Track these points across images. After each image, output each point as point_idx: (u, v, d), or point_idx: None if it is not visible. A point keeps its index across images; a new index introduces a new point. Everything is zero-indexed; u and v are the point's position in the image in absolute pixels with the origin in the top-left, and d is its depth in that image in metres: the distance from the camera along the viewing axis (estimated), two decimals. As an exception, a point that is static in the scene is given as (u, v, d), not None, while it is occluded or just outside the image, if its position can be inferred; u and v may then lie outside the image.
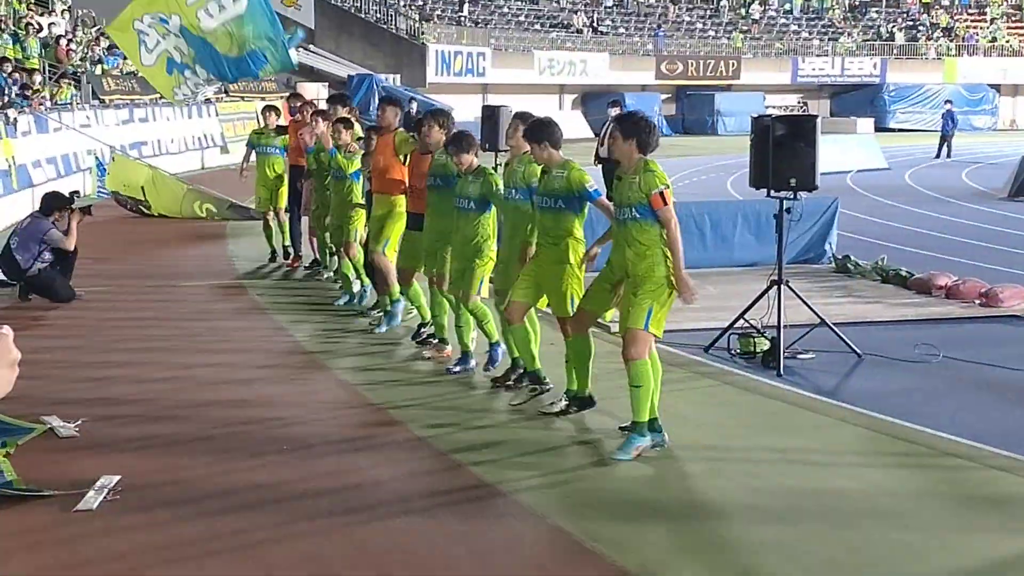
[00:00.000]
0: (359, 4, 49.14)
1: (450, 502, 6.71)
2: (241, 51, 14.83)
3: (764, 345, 10.40)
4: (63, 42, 29.00)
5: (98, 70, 29.52)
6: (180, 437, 7.88)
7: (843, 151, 31.35)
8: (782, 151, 10.43)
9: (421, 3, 52.89)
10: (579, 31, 58.34)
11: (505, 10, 57.54)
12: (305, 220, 14.88)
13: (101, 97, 27.92)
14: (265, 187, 15.51)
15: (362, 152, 12.13)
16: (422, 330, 10.92)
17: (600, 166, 20.37)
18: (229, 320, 12.26)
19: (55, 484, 6.74)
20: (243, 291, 14.03)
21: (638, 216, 7.41)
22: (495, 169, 10.06)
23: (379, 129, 11.52)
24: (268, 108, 16.10)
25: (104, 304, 12.89)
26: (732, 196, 24.76)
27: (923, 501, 6.83)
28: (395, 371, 9.98)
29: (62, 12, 32.02)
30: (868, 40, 64.64)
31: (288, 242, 15.49)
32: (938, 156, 38.94)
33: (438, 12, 53.61)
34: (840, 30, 65.22)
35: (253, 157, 15.92)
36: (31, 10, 29.63)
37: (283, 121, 16.56)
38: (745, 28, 63.50)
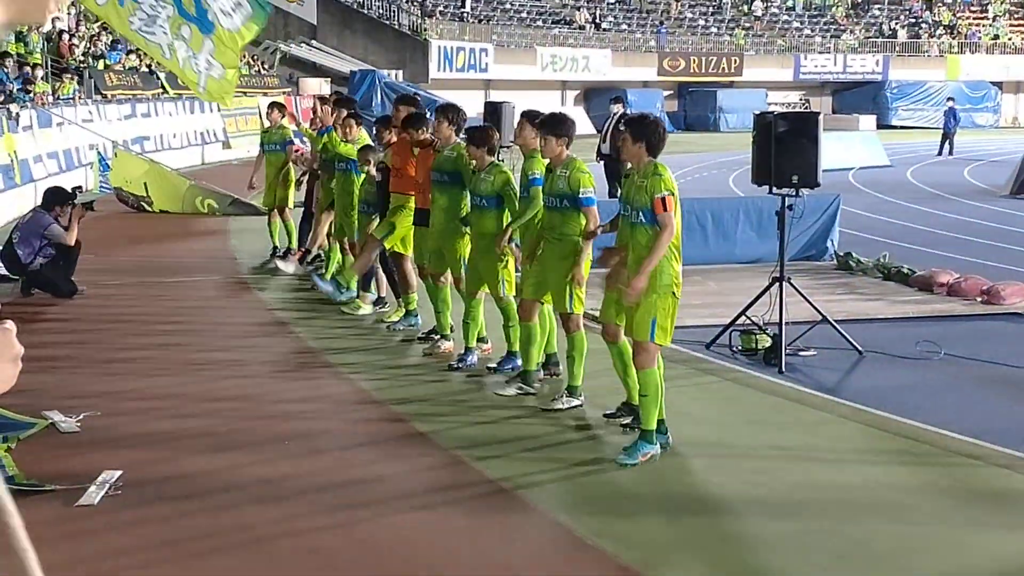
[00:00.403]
0: (362, 0, 49.16)
1: (452, 497, 6.72)
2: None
3: (766, 342, 10.40)
4: (65, 37, 28.99)
5: (100, 65, 29.51)
6: (182, 432, 7.89)
7: (845, 148, 31.34)
8: (784, 148, 10.43)
9: (423, -1, 52.93)
10: (581, 27, 58.32)
11: (508, 6, 57.53)
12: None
13: (103, 92, 27.91)
14: (269, 184, 15.50)
15: (365, 144, 12.12)
16: (432, 335, 10.82)
17: (602, 163, 20.39)
18: (231, 315, 12.27)
19: (57, 479, 6.75)
20: (246, 287, 14.04)
21: (644, 220, 7.38)
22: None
23: (387, 123, 11.49)
24: (273, 105, 16.06)
25: (106, 299, 12.89)
26: (734, 193, 24.75)
27: (925, 497, 6.83)
28: (398, 367, 9.98)
29: (67, 8, 31.99)
30: (870, 37, 64.61)
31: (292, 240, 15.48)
32: (940, 153, 38.92)
33: (441, 8, 53.59)
34: (842, 27, 65.19)
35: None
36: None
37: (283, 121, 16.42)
38: (747, 25, 63.48)
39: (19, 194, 19.45)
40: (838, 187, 19.36)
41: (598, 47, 56.61)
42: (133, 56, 31.69)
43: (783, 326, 10.11)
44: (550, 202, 8.56)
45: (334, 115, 13.04)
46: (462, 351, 9.92)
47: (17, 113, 21.09)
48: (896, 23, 66.27)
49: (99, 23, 32.85)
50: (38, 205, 13.68)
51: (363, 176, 11.92)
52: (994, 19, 66.86)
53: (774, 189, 10.60)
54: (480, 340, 10.21)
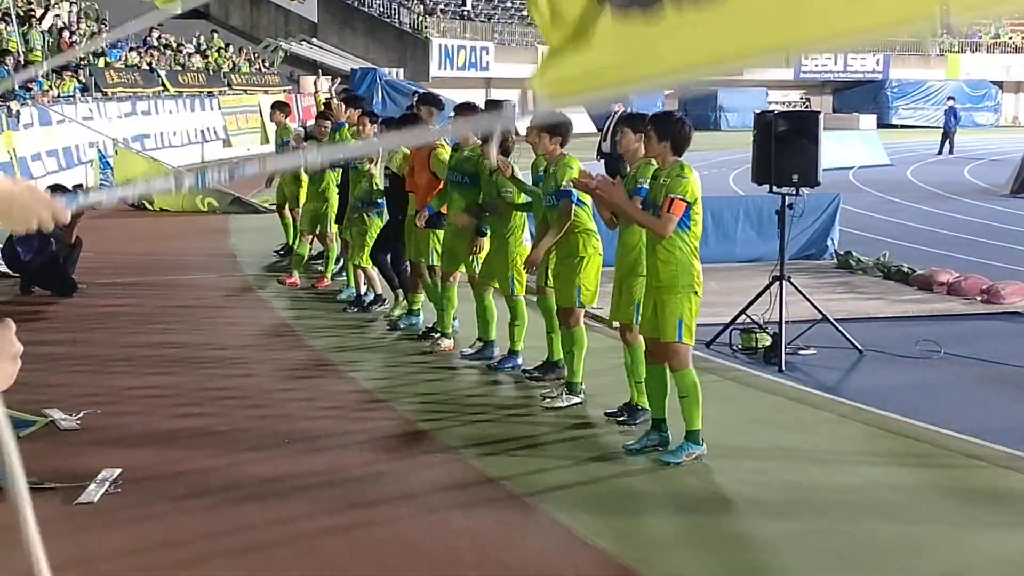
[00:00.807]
0: (362, -2, 49.19)
1: (452, 496, 6.72)
2: None
3: (766, 341, 10.40)
4: (66, 35, 28.97)
5: (101, 63, 29.50)
6: (182, 430, 7.89)
7: (845, 147, 31.35)
8: (785, 147, 10.43)
9: (424, -3, 52.91)
10: (582, 26, 58.20)
11: (508, 4, 57.48)
12: None
13: (104, 90, 27.92)
14: (281, 182, 15.39)
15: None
16: (432, 333, 10.82)
17: (602, 161, 20.38)
18: (231, 314, 12.27)
19: (57, 477, 6.75)
20: (246, 285, 14.03)
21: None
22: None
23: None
24: (275, 106, 15.96)
25: (106, 297, 12.89)
26: (735, 192, 24.74)
27: (925, 497, 6.83)
28: (399, 365, 9.98)
29: (69, 5, 31.97)
30: (871, 36, 64.55)
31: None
32: (940, 152, 38.92)
33: (441, 6, 53.55)
34: (843, 26, 65.14)
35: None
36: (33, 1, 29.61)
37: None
38: (748, 23, 63.43)
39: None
40: (838, 186, 19.35)
41: (599, 46, 56.51)
42: (134, 54, 31.71)
43: (783, 325, 10.11)
44: (548, 201, 8.61)
45: (347, 113, 12.99)
46: (506, 353, 9.83)
47: (18, 111, 21.08)
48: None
49: (99, 21, 32.88)
50: None
51: (360, 174, 11.88)
52: (994, 19, 66.81)
53: (774, 188, 10.60)
54: (443, 335, 10.27)
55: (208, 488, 6.80)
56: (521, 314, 9.51)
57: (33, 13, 28.02)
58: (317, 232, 13.54)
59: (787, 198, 10.47)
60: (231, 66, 37.89)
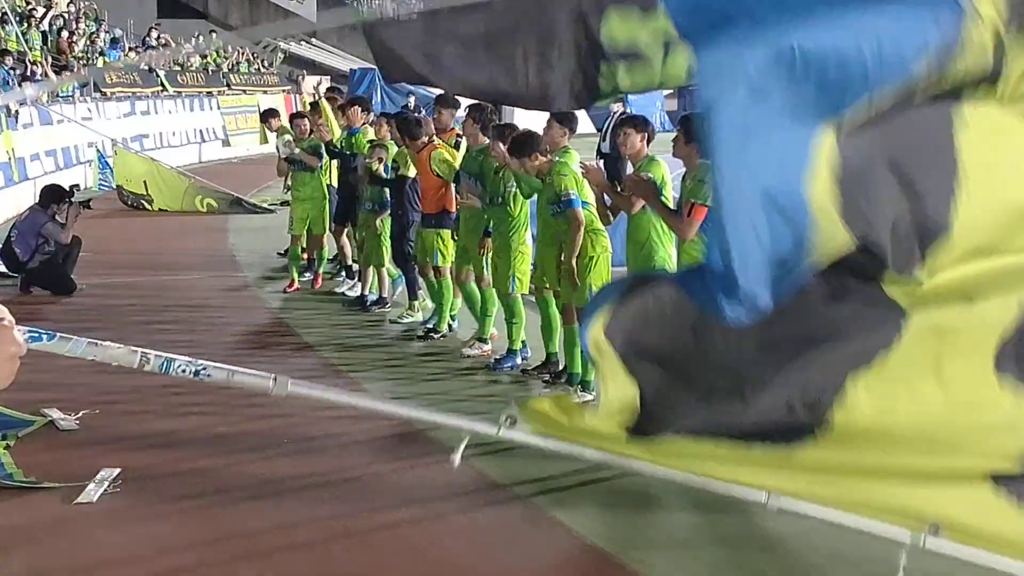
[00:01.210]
0: (361, -2, 49.09)
1: (450, 496, 6.71)
2: None
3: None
4: (65, 34, 28.97)
5: (100, 62, 29.48)
6: (181, 430, 7.88)
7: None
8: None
9: (423, -3, 52.83)
10: (581, 26, 58.25)
11: (507, 5, 57.49)
12: None
13: (103, 90, 27.89)
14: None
15: (378, 142, 12.08)
16: (432, 333, 10.83)
17: (601, 161, 20.36)
18: (230, 314, 12.27)
19: (55, 476, 6.74)
20: (245, 285, 14.02)
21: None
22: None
23: (407, 130, 10.99)
24: (268, 113, 15.61)
25: (105, 296, 12.87)
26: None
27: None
28: (397, 365, 9.98)
29: (67, 4, 31.97)
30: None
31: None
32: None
33: (440, 6, 53.53)
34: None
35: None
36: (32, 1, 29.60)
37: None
38: (747, 24, 63.49)
39: (17, 192, 19.43)
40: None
41: (598, 46, 56.56)
42: (132, 54, 31.69)
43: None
44: (550, 210, 8.66)
45: (363, 117, 12.96)
46: (503, 353, 9.85)
47: (16, 111, 21.07)
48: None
49: (97, 20, 32.88)
50: (35, 203, 13.66)
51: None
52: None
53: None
54: (481, 340, 10.24)
55: (207, 488, 6.80)
56: (519, 312, 9.50)
57: (34, 12, 28.02)
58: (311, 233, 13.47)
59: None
60: (230, 66, 37.89)
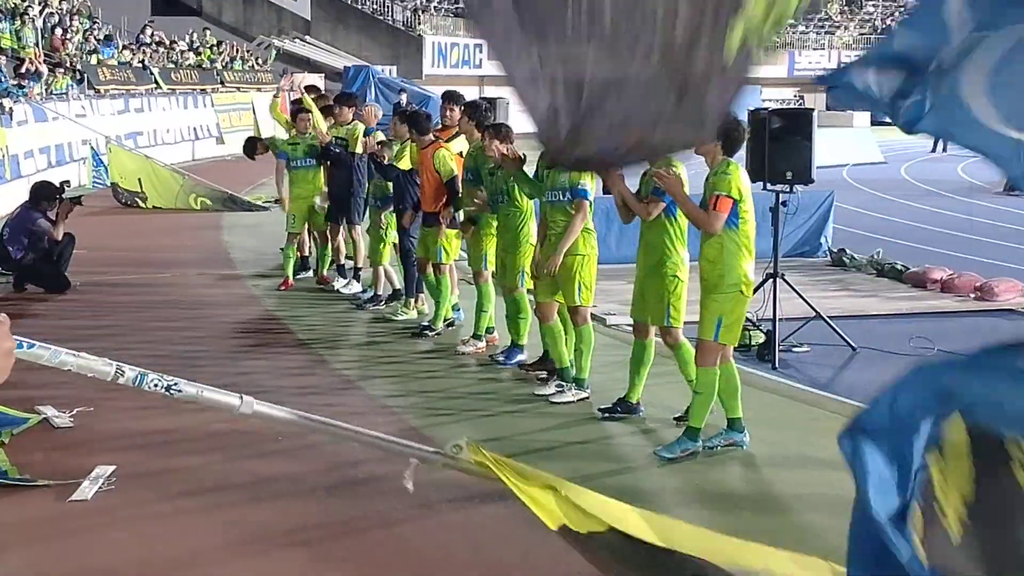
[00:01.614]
0: (355, -5, 49.16)
1: (446, 493, 6.70)
2: None
3: (759, 338, 10.40)
4: (59, 32, 28.93)
5: (93, 60, 29.45)
6: (176, 428, 7.87)
7: (839, 145, 31.32)
8: (778, 144, 10.44)
9: (417, -6, 52.89)
10: (576, 23, 58.22)
11: (502, 2, 57.43)
12: None
13: (96, 87, 27.87)
14: None
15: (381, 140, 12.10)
16: (428, 330, 10.85)
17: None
18: (225, 311, 12.26)
19: (50, 474, 6.74)
20: (240, 282, 14.02)
21: None
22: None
23: (416, 125, 10.97)
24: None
25: (99, 294, 12.87)
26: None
27: (918, 494, 6.83)
28: (392, 362, 9.99)
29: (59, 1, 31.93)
30: (865, 34, 64.63)
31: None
32: (934, 150, 38.91)
33: (435, 3, 53.54)
34: (837, 24, 65.23)
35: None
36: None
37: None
38: (742, 21, 63.47)
39: (10, 190, 19.40)
40: (832, 184, 19.33)
41: (592, 43, 56.53)
42: (126, 51, 31.66)
43: (777, 322, 10.12)
44: (552, 196, 8.62)
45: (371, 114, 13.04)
46: (507, 346, 9.90)
47: (11, 108, 21.04)
48: (891, 19, 66.28)
49: (91, 18, 32.81)
50: (26, 201, 13.65)
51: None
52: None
53: (768, 185, 10.61)
54: (488, 332, 10.30)
55: (202, 485, 6.80)
56: (525, 308, 9.52)
57: (28, 10, 27.96)
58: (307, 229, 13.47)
59: (781, 195, 10.48)
60: (224, 63, 37.87)
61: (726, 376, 7.50)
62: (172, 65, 34.08)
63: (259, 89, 37.32)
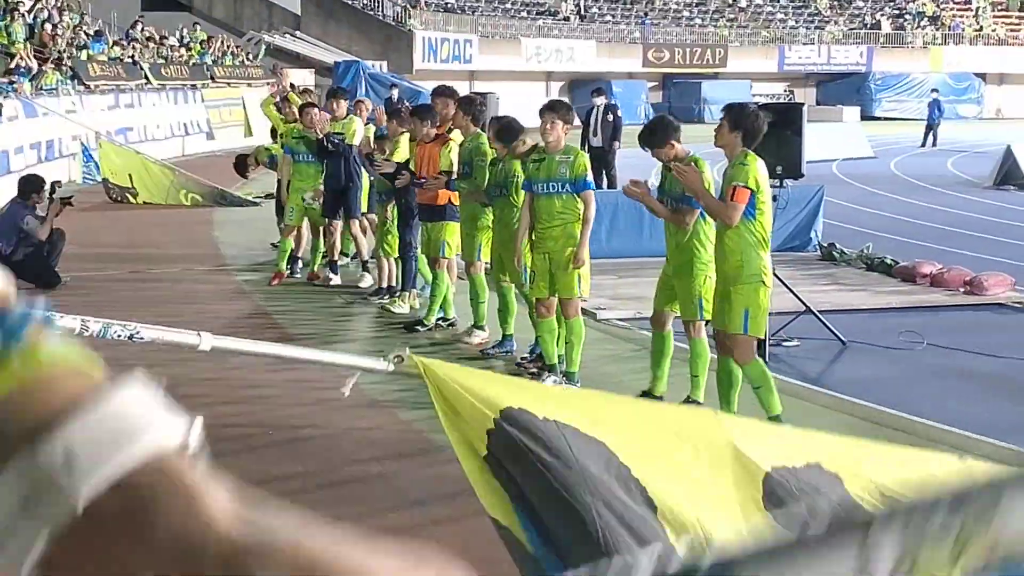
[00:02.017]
0: (346, -10, 49.09)
1: (437, 489, 6.71)
2: None
3: (749, 332, 10.41)
4: (48, 27, 28.87)
5: (83, 55, 29.40)
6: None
7: (829, 140, 31.36)
8: (768, 139, 10.39)
9: (408, -11, 52.84)
10: (566, 18, 58.27)
11: (492, -3, 57.52)
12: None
13: (86, 83, 27.82)
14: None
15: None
16: (438, 322, 10.90)
17: (589, 154, 20.37)
18: (215, 306, 12.26)
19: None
20: (230, 277, 14.01)
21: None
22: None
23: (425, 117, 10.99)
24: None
25: (89, 289, 12.86)
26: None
27: (907, 488, 6.86)
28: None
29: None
30: (854, 29, 64.71)
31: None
32: (924, 145, 39.02)
33: (425, -1, 53.56)
34: (827, 18, 65.26)
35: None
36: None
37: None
38: (732, 16, 63.51)
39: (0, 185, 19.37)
40: (822, 178, 19.39)
41: (583, 38, 56.59)
42: (116, 47, 31.60)
43: (767, 316, 10.14)
44: (550, 188, 8.64)
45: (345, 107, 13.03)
46: (499, 339, 10.00)
47: (0, 104, 21.00)
48: (880, 14, 66.37)
49: (80, 13, 32.74)
50: (15, 196, 13.63)
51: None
52: (977, 11, 67.05)
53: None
54: (478, 327, 10.35)
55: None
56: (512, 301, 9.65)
57: (19, 3, 27.90)
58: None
59: (771, 190, 10.48)
60: (214, 58, 37.81)
61: (729, 371, 7.54)
62: (162, 60, 34.02)
63: (249, 84, 37.26)
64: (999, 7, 67.44)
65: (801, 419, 8.15)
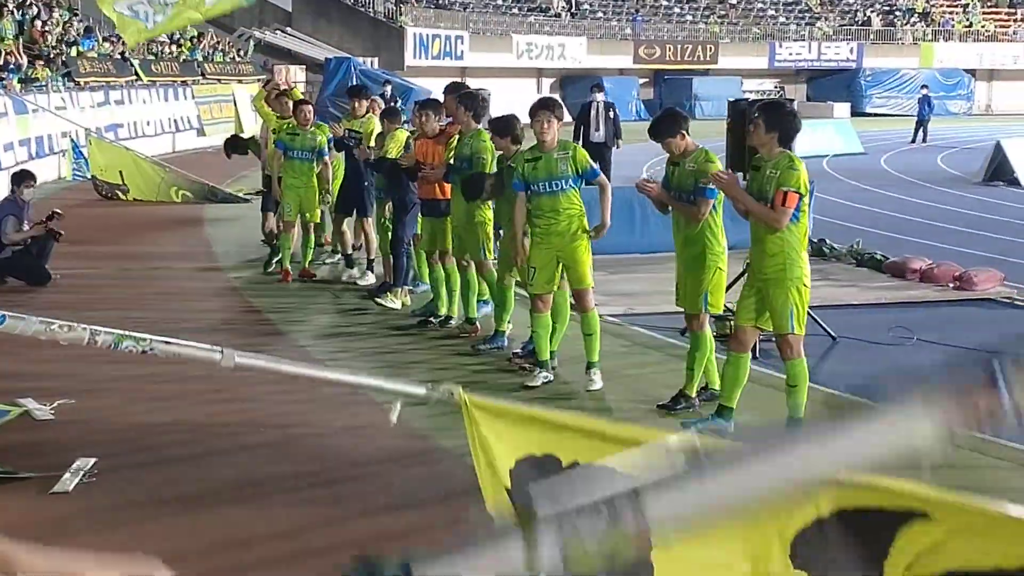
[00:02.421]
0: (336, -13, 49.03)
1: (429, 485, 6.73)
2: None
3: (740, 328, 10.43)
4: (38, 23, 28.81)
5: (73, 52, 29.33)
6: (157, 420, 7.88)
7: (819, 136, 31.40)
8: (759, 135, 10.46)
9: (399, -14, 52.78)
10: (557, 15, 58.26)
11: (483, -7, 57.48)
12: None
13: (76, 79, 27.75)
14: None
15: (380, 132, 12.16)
16: (431, 320, 10.91)
17: (588, 151, 20.33)
18: (207, 304, 12.26)
19: (31, 466, 6.73)
20: (222, 275, 14.00)
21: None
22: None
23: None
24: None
25: (80, 286, 12.84)
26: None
27: (896, 482, 6.88)
28: (376, 352, 10.00)
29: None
30: (845, 25, 64.75)
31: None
32: (914, 141, 39.06)
33: (416, -5, 53.50)
34: (817, 15, 65.31)
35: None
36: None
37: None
38: (723, 13, 63.54)
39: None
40: (812, 174, 19.23)
41: (574, 35, 56.57)
42: (107, 44, 31.51)
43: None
44: (555, 186, 8.66)
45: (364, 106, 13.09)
46: (490, 334, 10.02)
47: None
48: (870, 11, 66.45)
49: (71, 10, 32.68)
50: (8, 192, 13.58)
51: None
52: (967, 7, 67.13)
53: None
54: (470, 323, 10.37)
55: (183, 476, 6.80)
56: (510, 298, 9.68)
57: (7, 2, 27.83)
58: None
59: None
60: (204, 55, 37.75)
61: (737, 365, 7.56)
62: (152, 57, 33.94)
63: (240, 81, 37.18)
64: (988, 3, 67.53)
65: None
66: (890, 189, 24.78)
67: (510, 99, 24.44)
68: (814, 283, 12.86)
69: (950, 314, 11.88)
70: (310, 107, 13.40)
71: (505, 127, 9.55)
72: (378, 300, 11.69)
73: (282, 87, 15.36)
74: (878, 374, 9.39)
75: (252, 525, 6.07)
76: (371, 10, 49.64)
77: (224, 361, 3.43)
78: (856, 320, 11.33)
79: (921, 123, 39.56)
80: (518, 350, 9.67)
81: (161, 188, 20.66)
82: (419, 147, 10.84)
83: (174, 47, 36.20)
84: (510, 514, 3.49)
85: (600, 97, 20.95)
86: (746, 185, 7.68)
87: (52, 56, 27.67)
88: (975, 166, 27.60)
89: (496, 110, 11.37)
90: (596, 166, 8.79)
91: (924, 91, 41.78)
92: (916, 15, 66.30)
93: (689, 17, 62.93)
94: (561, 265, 8.80)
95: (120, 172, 20.85)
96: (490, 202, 9.90)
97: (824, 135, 32.27)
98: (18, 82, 24.47)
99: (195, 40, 38.20)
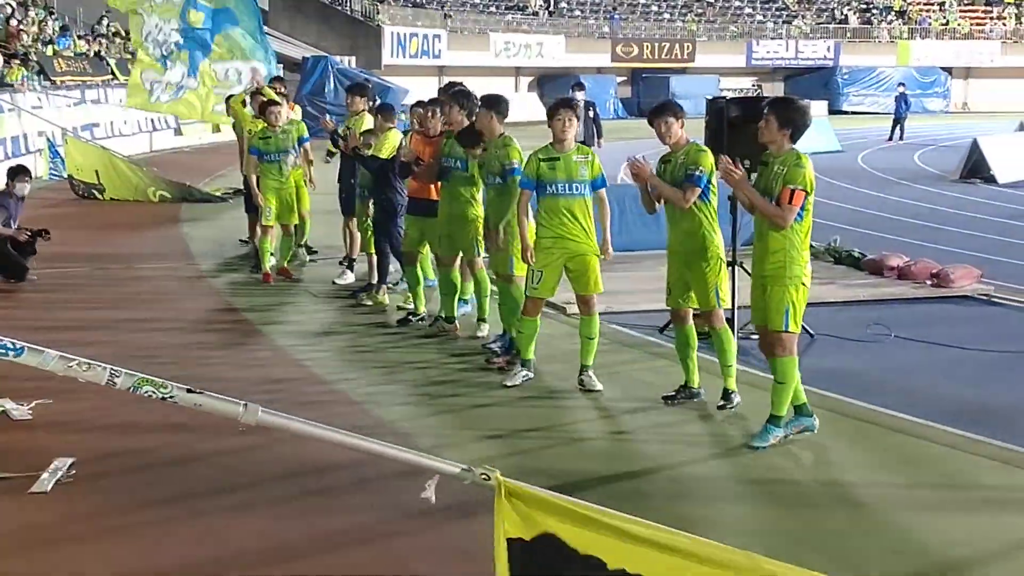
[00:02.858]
0: (314, -15, 48.90)
1: (408, 483, 6.70)
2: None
3: (719, 326, 10.44)
4: (13, 22, 28.65)
5: (49, 51, 29.17)
6: (136, 419, 7.84)
7: (797, 133, 31.44)
8: (736, 133, 10.48)
9: (376, -16, 52.68)
10: (535, 13, 58.27)
11: (461, -8, 57.42)
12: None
13: (52, 78, 27.60)
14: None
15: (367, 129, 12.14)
16: (410, 318, 10.87)
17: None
18: (185, 304, 12.21)
19: (9, 466, 6.70)
20: (198, 273, 13.95)
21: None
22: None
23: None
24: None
25: (57, 288, 12.77)
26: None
27: (875, 478, 6.91)
28: (356, 351, 9.99)
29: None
30: (822, 23, 64.97)
31: None
32: (891, 138, 39.22)
33: (393, -7, 53.41)
34: (794, 13, 65.52)
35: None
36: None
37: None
38: (700, 11, 63.67)
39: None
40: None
41: (552, 33, 56.59)
42: (82, 42, 31.37)
43: (736, 310, 10.17)
44: (575, 189, 8.64)
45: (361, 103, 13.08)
46: (500, 333, 9.95)
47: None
48: (847, 9, 66.69)
49: (47, 8, 32.51)
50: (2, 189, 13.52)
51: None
52: (943, 5, 67.42)
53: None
54: (449, 321, 10.35)
55: (162, 476, 6.78)
56: (516, 296, 9.63)
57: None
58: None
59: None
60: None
61: (793, 367, 7.52)
62: (129, 56, 33.74)
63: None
64: (965, 2, 67.85)
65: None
66: (867, 187, 24.88)
67: (488, 98, 24.41)
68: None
69: (927, 311, 11.93)
70: (279, 108, 13.30)
71: (496, 102, 9.60)
72: (361, 300, 11.68)
73: (256, 87, 15.29)
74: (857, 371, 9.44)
75: (233, 527, 6.05)
76: (348, 9, 49.57)
77: (246, 416, 3.34)
78: (834, 317, 11.36)
79: (898, 121, 39.73)
80: (496, 348, 9.66)
81: (138, 188, 20.59)
82: (413, 144, 10.81)
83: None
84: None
85: (581, 96, 20.94)
86: (754, 181, 7.66)
87: (28, 55, 27.50)
88: (952, 164, 27.73)
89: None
90: (605, 175, 8.75)
91: (901, 89, 41.97)
92: (893, 13, 66.57)
93: (667, 15, 63.05)
94: (563, 270, 8.74)
95: (96, 172, 20.76)
96: (480, 200, 9.87)
97: (801, 133, 32.31)
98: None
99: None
